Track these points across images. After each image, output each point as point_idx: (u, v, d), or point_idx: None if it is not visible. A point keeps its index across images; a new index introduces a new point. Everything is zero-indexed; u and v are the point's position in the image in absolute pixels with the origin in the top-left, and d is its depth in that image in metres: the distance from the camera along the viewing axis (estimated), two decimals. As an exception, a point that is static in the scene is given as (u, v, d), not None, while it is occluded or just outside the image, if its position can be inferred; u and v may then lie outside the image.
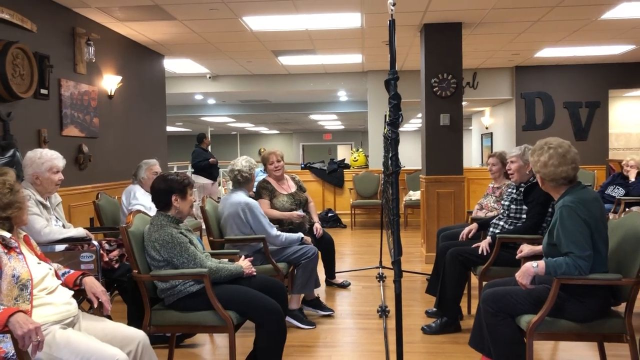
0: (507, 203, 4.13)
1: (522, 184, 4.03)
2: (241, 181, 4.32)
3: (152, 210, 4.42)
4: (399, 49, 7.80)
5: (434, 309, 4.29)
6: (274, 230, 4.17)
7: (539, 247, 3.19)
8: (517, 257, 3.25)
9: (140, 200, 4.62)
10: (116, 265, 3.79)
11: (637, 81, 9.45)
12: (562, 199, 2.80)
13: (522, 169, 4.02)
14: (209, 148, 10.14)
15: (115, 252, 3.83)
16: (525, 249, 3.26)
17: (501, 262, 3.86)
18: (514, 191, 4.10)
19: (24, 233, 2.49)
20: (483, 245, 3.94)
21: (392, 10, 1.96)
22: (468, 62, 8.19)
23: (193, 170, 10.03)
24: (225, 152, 23.04)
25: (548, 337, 2.84)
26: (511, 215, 4.05)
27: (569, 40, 7.40)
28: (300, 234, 4.38)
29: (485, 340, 2.97)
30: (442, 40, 6.44)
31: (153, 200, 3.08)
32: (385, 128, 5.47)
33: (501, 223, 4.07)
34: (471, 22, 6.38)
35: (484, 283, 3.64)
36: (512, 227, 3.97)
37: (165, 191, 3.03)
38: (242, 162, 4.38)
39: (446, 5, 5.70)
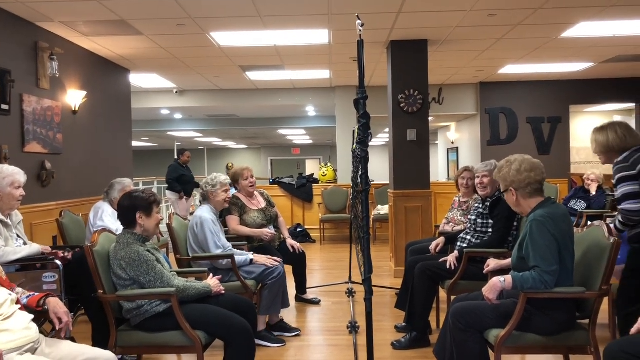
0: (473, 217, 4.19)
1: (488, 199, 4.09)
2: (204, 195, 4.32)
3: (119, 232, 4.35)
4: (366, 65, 7.89)
5: (404, 324, 4.31)
6: (218, 251, 4.12)
7: (506, 262, 3.24)
8: (484, 271, 3.29)
9: (107, 221, 4.53)
10: (69, 255, 3.70)
11: (596, 97, 9.76)
12: (533, 213, 2.85)
13: (494, 182, 4.08)
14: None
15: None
16: (492, 263, 3.30)
17: (469, 277, 3.90)
18: (480, 205, 4.17)
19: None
20: (450, 259, 3.98)
21: (360, 30, 1.99)
22: (434, 78, 8.33)
23: (167, 185, 9.91)
24: (192, 167, 22.83)
25: (515, 351, 2.88)
26: (478, 229, 4.11)
27: (531, 57, 7.60)
28: (249, 257, 4.27)
29: (446, 351, 2.99)
30: (409, 56, 6.53)
31: (119, 217, 3.03)
32: (354, 144, 5.51)
33: (468, 237, 4.13)
34: (436, 40, 6.49)
35: (452, 297, 3.68)
36: (479, 242, 4.03)
37: (130, 208, 2.98)
38: (208, 178, 4.37)
39: (412, 23, 5.79)
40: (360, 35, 2.03)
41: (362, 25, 2.01)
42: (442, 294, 4.26)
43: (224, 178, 4.37)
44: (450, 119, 12.37)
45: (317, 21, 5.66)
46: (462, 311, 2.88)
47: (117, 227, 4.50)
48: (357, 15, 1.97)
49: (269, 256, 4.34)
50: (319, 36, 6.27)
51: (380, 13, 5.38)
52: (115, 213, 4.55)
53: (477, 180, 4.19)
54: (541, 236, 2.74)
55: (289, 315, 4.77)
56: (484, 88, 9.79)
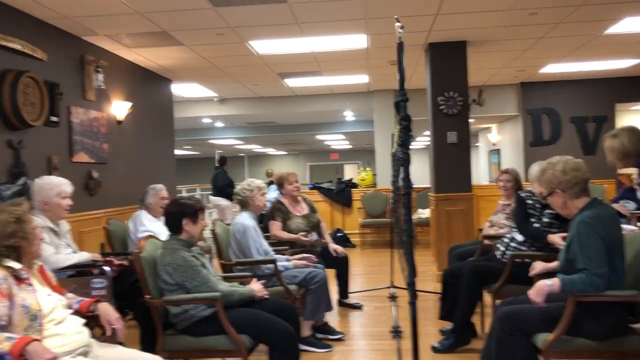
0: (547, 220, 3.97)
1: None
2: (242, 202, 4.34)
3: (161, 235, 4.44)
4: (405, 67, 7.83)
5: (449, 328, 4.24)
6: (258, 257, 4.14)
7: (553, 264, 3.16)
8: (530, 274, 3.23)
9: (148, 226, 4.62)
10: (125, 262, 3.86)
11: (643, 94, 9.45)
12: (579, 215, 2.79)
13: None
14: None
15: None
16: (538, 266, 3.23)
17: (515, 280, 3.82)
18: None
19: (39, 263, 2.50)
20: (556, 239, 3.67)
21: (400, 33, 1.98)
22: (473, 80, 8.21)
23: (212, 192, 10.05)
24: (233, 174, 23.13)
25: (565, 356, 2.80)
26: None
27: (573, 55, 7.42)
28: (290, 264, 4.29)
29: (492, 356, 2.93)
30: (447, 58, 6.47)
31: (166, 223, 3.10)
32: (393, 147, 5.49)
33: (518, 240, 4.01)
34: (476, 41, 6.41)
35: (497, 301, 3.62)
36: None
37: (177, 215, 3.05)
38: (244, 183, 4.40)
39: (451, 25, 5.74)
40: (400, 38, 2.03)
41: (402, 27, 2.01)
42: (487, 298, 4.19)
43: (260, 182, 4.41)
44: (491, 121, 12.16)
45: (355, 26, 5.67)
46: (508, 315, 2.83)
47: (158, 230, 4.61)
48: (397, 18, 1.96)
49: (306, 256, 4.35)
50: (357, 41, 6.27)
51: (418, 15, 5.36)
52: (153, 218, 4.68)
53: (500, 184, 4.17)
54: (589, 238, 2.67)
55: (332, 320, 4.76)
56: (525, 88, 9.60)
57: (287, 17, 5.21)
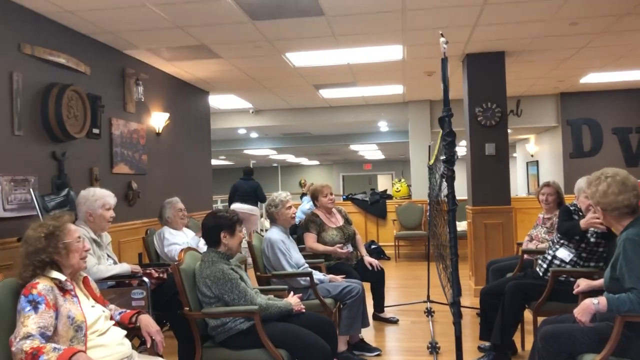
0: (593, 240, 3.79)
1: None
2: (271, 217, 4.36)
3: (186, 244, 4.50)
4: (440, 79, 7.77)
5: (487, 345, 4.15)
6: (292, 269, 4.12)
7: (597, 282, 3.07)
8: (574, 292, 3.14)
9: (171, 240, 4.69)
10: (164, 276, 3.91)
11: (689, 104, 9.14)
12: (625, 232, 2.69)
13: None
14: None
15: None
16: (582, 283, 3.13)
17: (557, 297, 3.72)
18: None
19: (84, 275, 2.54)
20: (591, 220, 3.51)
21: (444, 48, 1.96)
22: (511, 90, 8.09)
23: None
24: (266, 185, 23.23)
25: (612, 378, 2.70)
26: (590, 248, 3.76)
27: (615, 65, 7.24)
28: (326, 278, 4.29)
29: None
30: (485, 69, 6.39)
31: (203, 236, 3.12)
32: (431, 160, 5.44)
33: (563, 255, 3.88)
34: (514, 51, 6.32)
35: (539, 318, 3.53)
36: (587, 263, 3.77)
37: (215, 228, 3.07)
38: (269, 200, 4.42)
39: (489, 36, 5.67)
40: (444, 53, 2.00)
41: (447, 42, 1.98)
42: (527, 315, 4.08)
43: (285, 195, 4.41)
44: (529, 132, 11.94)
45: (391, 37, 5.65)
46: (552, 334, 2.75)
47: (183, 240, 4.67)
48: (442, 33, 1.94)
49: (334, 277, 4.32)
50: (393, 52, 6.25)
51: (455, 26, 5.31)
52: (174, 231, 4.74)
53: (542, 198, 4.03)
54: (636, 255, 2.58)
55: (367, 334, 4.72)
56: (565, 98, 9.40)
57: (324, 29, 5.23)
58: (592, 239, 3.72)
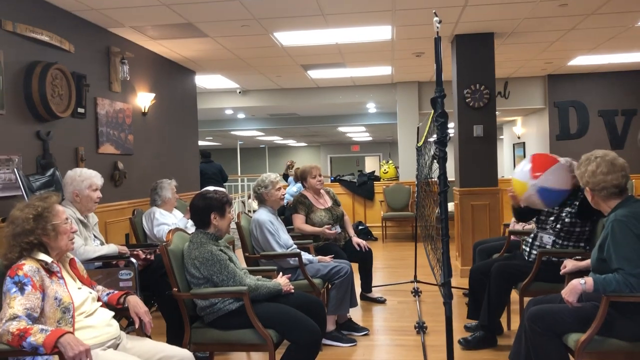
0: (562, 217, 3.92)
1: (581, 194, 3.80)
2: (259, 198, 4.35)
3: (176, 225, 4.50)
4: (429, 60, 7.76)
5: (473, 324, 4.20)
6: (281, 250, 4.13)
7: (584, 263, 3.10)
8: (561, 273, 3.17)
9: (161, 220, 4.66)
10: (151, 257, 3.90)
11: (675, 88, 9.21)
12: (613, 213, 2.72)
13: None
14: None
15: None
16: (569, 264, 3.17)
17: (543, 278, 3.76)
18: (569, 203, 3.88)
19: (71, 257, 2.51)
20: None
21: (437, 27, 1.93)
22: (499, 72, 8.09)
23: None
24: (254, 166, 23.21)
25: (597, 357, 2.74)
26: (565, 229, 3.80)
27: (604, 47, 7.26)
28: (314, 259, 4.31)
29: (521, 356, 2.89)
30: (474, 50, 6.38)
31: (192, 218, 3.10)
32: (420, 141, 5.43)
33: (547, 238, 3.91)
34: (503, 32, 6.30)
35: (525, 299, 3.56)
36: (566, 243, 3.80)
37: (205, 209, 3.05)
38: (258, 180, 4.39)
39: (478, 16, 5.64)
40: (437, 32, 1.98)
41: (440, 22, 1.95)
42: (514, 295, 4.13)
43: (274, 176, 4.39)
44: (516, 114, 11.99)
45: (381, 17, 5.60)
46: (539, 314, 2.78)
47: (172, 221, 4.65)
48: (435, 12, 1.91)
49: (323, 258, 4.33)
50: (382, 32, 6.20)
51: (445, 7, 5.27)
52: (165, 212, 4.71)
53: None
54: (624, 237, 2.61)
55: (355, 314, 4.75)
56: (552, 81, 9.42)
57: (313, 8, 5.17)
58: (566, 219, 3.75)
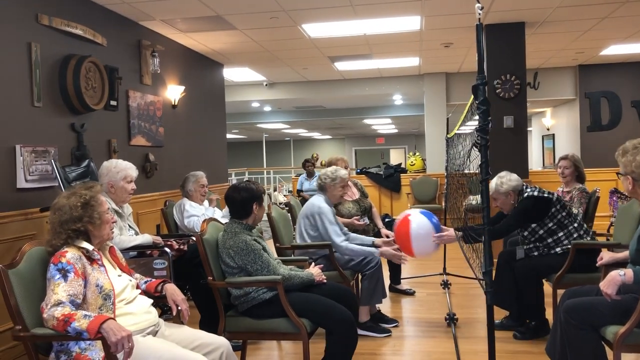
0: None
1: None
2: (321, 186, 4.36)
3: (204, 217, 4.56)
4: (459, 50, 7.68)
5: (503, 321, 4.15)
6: (340, 239, 4.14)
7: (621, 254, 3.05)
8: (597, 264, 3.12)
9: (191, 211, 4.71)
10: (184, 247, 3.95)
11: None
12: None
13: (507, 202, 4.04)
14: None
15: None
16: (606, 256, 3.12)
17: (575, 269, 3.72)
18: None
19: (111, 245, 2.56)
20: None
21: (479, 14, 1.91)
22: (529, 62, 7.96)
23: None
24: (278, 159, 23.28)
25: (636, 349, 2.70)
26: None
27: (637, 36, 7.09)
28: (371, 239, 4.36)
29: (557, 349, 2.86)
30: (505, 40, 6.30)
31: (232, 209, 3.11)
32: (451, 132, 5.39)
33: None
34: (534, 22, 6.20)
35: (559, 290, 3.53)
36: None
37: (248, 200, 3.08)
38: (328, 170, 4.39)
39: (509, 5, 5.56)
40: (479, 19, 1.95)
41: (482, 8, 1.93)
42: (546, 287, 4.08)
43: (344, 173, 4.38)
44: (545, 105, 11.79)
45: (410, 7, 5.56)
46: (576, 307, 2.74)
47: (201, 212, 4.70)
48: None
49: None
50: (410, 23, 6.16)
51: (476, -4, 5.20)
52: (194, 204, 4.75)
53: (558, 171, 4.09)
54: None
55: (384, 305, 4.73)
56: (583, 71, 9.24)
57: (342, -1, 5.16)
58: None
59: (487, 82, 2.02)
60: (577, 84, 9.37)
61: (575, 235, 3.84)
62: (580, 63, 9.14)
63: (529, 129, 15.56)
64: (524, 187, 4.02)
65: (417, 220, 3.80)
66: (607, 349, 2.75)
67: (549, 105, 11.85)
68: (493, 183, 4.07)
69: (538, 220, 3.87)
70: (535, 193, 3.92)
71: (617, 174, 2.90)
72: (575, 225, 3.88)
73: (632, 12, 5.88)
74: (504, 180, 4.00)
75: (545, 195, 3.90)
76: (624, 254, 3.01)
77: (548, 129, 12.24)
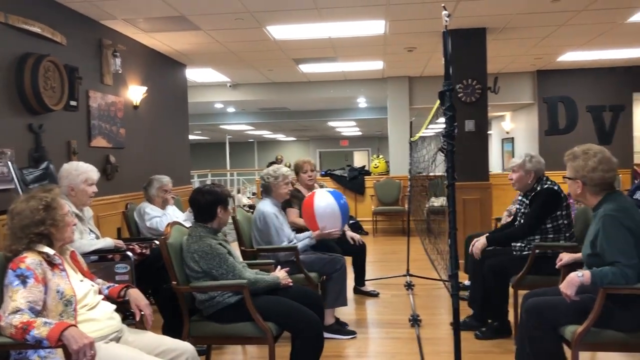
0: (518, 217, 4.06)
1: (528, 193, 3.97)
2: (265, 187, 4.31)
3: (167, 218, 4.51)
4: (421, 54, 7.78)
5: (467, 320, 4.22)
6: (285, 242, 4.12)
7: (580, 255, 3.14)
8: (557, 266, 3.21)
9: (152, 213, 4.66)
10: (147, 252, 3.88)
11: (661, 84, 9.33)
12: (602, 207, 2.76)
13: (523, 178, 3.98)
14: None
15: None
16: (565, 257, 3.21)
17: (536, 271, 3.80)
18: (523, 203, 4.02)
19: (71, 249, 2.50)
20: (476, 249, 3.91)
21: (446, 21, 1.94)
22: (490, 67, 8.10)
23: None
24: (242, 160, 23.15)
25: (593, 348, 2.79)
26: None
27: (593, 43, 7.33)
28: (310, 232, 4.32)
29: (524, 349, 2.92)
30: (467, 46, 6.40)
31: (198, 212, 3.07)
32: (415, 136, 5.46)
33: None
34: (495, 28, 6.34)
35: (520, 292, 3.61)
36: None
37: (213, 203, 3.04)
38: (269, 169, 4.36)
39: (471, 11, 5.67)
40: (446, 26, 1.98)
41: (449, 15, 1.97)
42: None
43: (286, 170, 4.35)
44: (505, 109, 12.07)
45: (375, 12, 5.61)
46: (536, 307, 2.81)
47: (162, 213, 4.65)
48: (444, 6, 1.92)
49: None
50: (375, 27, 6.21)
51: (438, 2, 5.29)
52: (155, 207, 4.68)
53: (509, 175, 4.09)
54: (616, 230, 2.66)
55: (348, 306, 4.75)
56: (541, 76, 9.49)
57: (308, 1, 5.16)
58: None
59: (453, 88, 2.06)
60: (535, 89, 9.62)
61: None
62: (539, 68, 9.38)
63: (489, 132, 15.89)
64: (545, 177, 3.98)
65: (321, 195, 4.20)
66: (566, 348, 2.82)
67: (508, 110, 12.13)
68: (519, 158, 4.00)
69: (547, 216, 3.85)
70: (556, 187, 3.87)
71: (564, 177, 2.98)
72: (567, 235, 3.86)
73: (587, 21, 6.07)
74: (534, 158, 3.93)
75: (562, 193, 3.86)
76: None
77: (508, 133, 12.52)
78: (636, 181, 7.63)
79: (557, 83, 9.44)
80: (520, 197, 4.13)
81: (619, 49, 7.81)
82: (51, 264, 2.27)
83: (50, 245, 2.31)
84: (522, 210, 4.02)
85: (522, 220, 3.97)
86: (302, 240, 4.20)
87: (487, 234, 4.00)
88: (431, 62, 8.32)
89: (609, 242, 2.66)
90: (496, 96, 9.61)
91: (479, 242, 3.93)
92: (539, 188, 3.88)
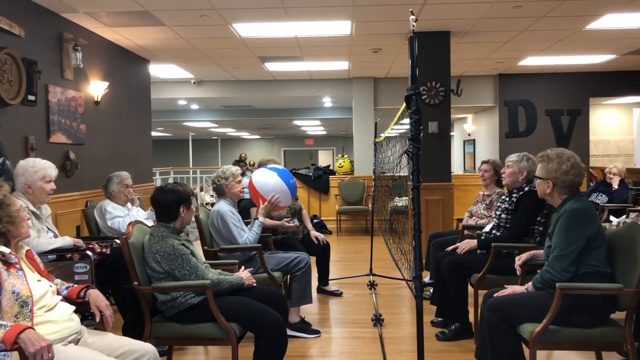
0: (498, 212, 4.15)
1: (515, 191, 4.04)
2: (218, 190, 4.27)
3: (129, 218, 4.44)
4: (386, 56, 7.85)
5: (439, 319, 4.27)
6: (243, 237, 4.08)
7: (539, 250, 3.24)
8: (516, 265, 3.27)
9: (114, 213, 4.56)
10: (107, 251, 3.82)
11: (616, 89, 9.66)
12: (566, 204, 2.89)
13: (515, 174, 4.05)
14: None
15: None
16: (524, 255, 3.29)
17: (496, 271, 3.88)
18: (507, 199, 4.12)
19: (27, 248, 2.43)
20: (462, 246, 3.97)
21: (413, 26, 1.96)
22: (453, 70, 8.24)
23: None
24: (205, 158, 22.90)
25: (550, 347, 2.86)
26: (501, 224, 4.05)
27: (553, 49, 7.52)
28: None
29: (487, 347, 2.98)
30: (431, 48, 6.49)
31: (160, 212, 3.02)
32: (380, 137, 5.50)
33: (494, 232, 4.09)
34: (459, 31, 6.44)
35: (480, 291, 3.67)
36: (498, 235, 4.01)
37: (175, 202, 2.99)
38: (218, 172, 4.31)
39: (436, 15, 5.75)
40: (413, 30, 2.00)
41: (416, 20, 1.98)
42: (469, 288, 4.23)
43: (235, 169, 4.31)
44: (467, 111, 12.29)
45: (341, 12, 5.63)
46: (496, 305, 2.88)
47: (125, 213, 4.57)
48: (411, 11, 1.94)
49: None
50: (341, 27, 6.24)
51: (404, 4, 5.34)
52: (117, 206, 4.59)
53: (502, 170, 4.19)
54: (568, 225, 2.80)
55: (311, 306, 4.76)
56: (503, 80, 9.70)
57: (274, 0, 5.14)
58: (502, 215, 4.02)
59: (419, 92, 2.08)
60: (496, 92, 9.82)
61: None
62: (500, 72, 9.58)
63: (451, 134, 16.16)
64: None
65: (257, 173, 4.43)
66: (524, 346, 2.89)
67: (470, 112, 12.36)
68: (516, 155, 4.06)
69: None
70: None
71: (534, 176, 3.08)
72: (538, 239, 3.89)
73: (547, 27, 6.23)
74: (530, 159, 3.97)
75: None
76: (542, 251, 3.18)
77: (469, 135, 12.75)
78: (592, 184, 7.89)
79: (517, 87, 9.67)
80: (503, 198, 4.20)
81: (578, 55, 8.04)
82: (7, 263, 2.20)
83: (6, 244, 2.24)
84: (504, 207, 4.05)
85: (502, 216, 4.03)
86: (252, 230, 4.14)
87: (478, 238, 4.05)
88: (396, 63, 8.40)
89: (559, 235, 2.81)
90: (459, 98, 9.78)
91: (469, 244, 3.97)
92: (527, 189, 3.93)
